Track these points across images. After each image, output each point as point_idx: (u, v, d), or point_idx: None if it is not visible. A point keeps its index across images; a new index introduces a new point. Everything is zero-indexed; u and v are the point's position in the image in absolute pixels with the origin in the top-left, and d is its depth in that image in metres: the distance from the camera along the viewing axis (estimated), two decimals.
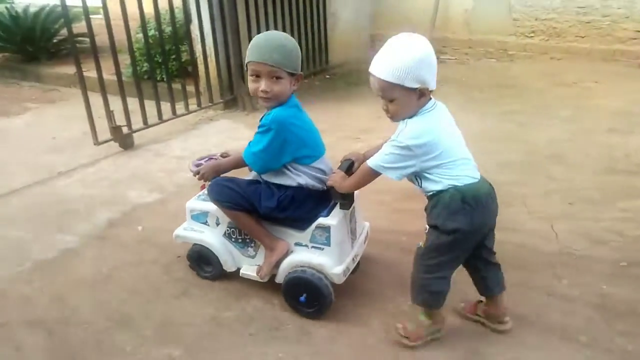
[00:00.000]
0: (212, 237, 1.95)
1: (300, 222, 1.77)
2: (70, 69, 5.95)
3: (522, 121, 3.82)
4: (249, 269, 1.90)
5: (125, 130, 3.65)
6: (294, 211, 1.75)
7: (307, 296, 1.75)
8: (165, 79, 4.17)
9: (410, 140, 1.44)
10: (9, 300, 2.03)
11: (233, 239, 1.93)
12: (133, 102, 3.77)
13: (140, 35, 4.08)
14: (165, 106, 3.96)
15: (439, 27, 5.94)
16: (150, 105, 3.84)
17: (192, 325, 1.82)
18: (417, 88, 1.42)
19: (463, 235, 1.48)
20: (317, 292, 1.74)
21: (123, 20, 3.64)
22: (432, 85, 1.45)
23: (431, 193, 1.52)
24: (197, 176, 1.87)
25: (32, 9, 6.56)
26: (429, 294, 1.58)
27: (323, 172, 1.81)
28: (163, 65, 4.32)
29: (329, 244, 1.73)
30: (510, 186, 2.70)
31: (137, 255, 2.29)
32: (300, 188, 1.75)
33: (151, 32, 4.31)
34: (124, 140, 3.64)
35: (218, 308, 1.90)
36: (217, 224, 1.94)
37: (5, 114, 4.69)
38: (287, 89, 1.67)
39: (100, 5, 3.48)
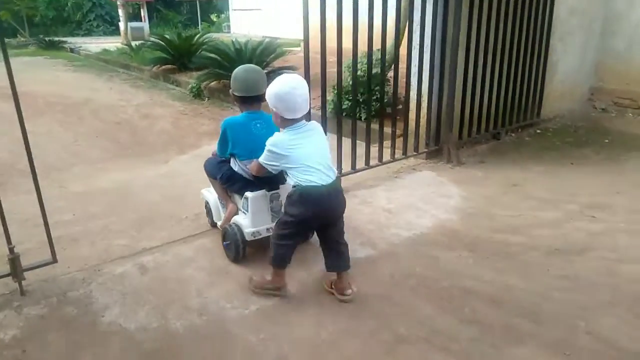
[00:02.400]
0: (212, 199, 2.78)
1: (239, 194, 2.49)
2: None
3: None
4: (219, 221, 2.70)
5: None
6: (231, 185, 2.52)
7: (227, 243, 2.49)
8: (364, 118, 4.06)
9: (270, 146, 2.06)
10: None
11: (220, 202, 2.72)
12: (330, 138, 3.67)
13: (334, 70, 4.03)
14: (361, 147, 3.83)
15: None
16: (346, 144, 3.66)
17: None
18: (273, 112, 2.04)
19: (297, 219, 2.04)
20: (232, 240, 2.43)
21: (321, 55, 3.60)
22: (286, 115, 1.99)
23: (291, 186, 2.08)
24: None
25: (251, 43, 7.21)
26: (275, 256, 2.11)
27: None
28: (364, 105, 4.23)
29: (247, 211, 2.43)
30: None
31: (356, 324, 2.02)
32: (234, 171, 2.50)
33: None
34: None
35: None
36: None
37: (214, 138, 5.09)
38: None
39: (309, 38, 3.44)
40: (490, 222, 2.99)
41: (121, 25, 17.05)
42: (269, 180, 2.39)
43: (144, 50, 10.87)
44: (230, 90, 2.47)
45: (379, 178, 3.79)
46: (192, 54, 8.92)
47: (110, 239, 2.81)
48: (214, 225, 2.80)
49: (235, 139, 2.41)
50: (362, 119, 4.71)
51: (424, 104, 4.09)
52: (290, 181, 2.07)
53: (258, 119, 2.43)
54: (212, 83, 7.15)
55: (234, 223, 2.46)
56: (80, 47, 15.18)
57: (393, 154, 4.00)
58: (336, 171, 2.18)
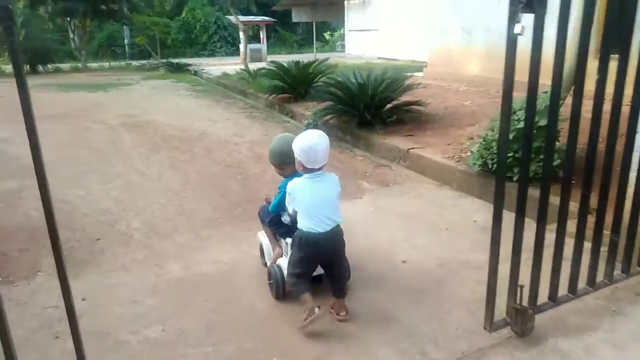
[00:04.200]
0: (264, 242, 2.84)
1: (284, 238, 2.61)
2: (399, 141, 5.40)
3: None
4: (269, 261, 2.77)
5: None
6: (277, 229, 2.67)
7: (271, 282, 2.59)
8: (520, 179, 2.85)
9: (289, 188, 2.30)
10: None
11: (271, 245, 2.79)
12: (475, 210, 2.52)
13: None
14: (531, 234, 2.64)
15: None
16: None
17: None
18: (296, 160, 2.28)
19: (299, 259, 2.30)
20: (274, 280, 2.54)
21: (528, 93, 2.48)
22: (307, 165, 2.22)
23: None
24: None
25: (374, 74, 6.34)
26: (295, 292, 2.37)
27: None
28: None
29: (287, 254, 2.52)
30: None
31: None
32: (280, 217, 2.63)
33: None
34: (525, 324, 2.13)
35: None
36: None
37: (343, 194, 4.21)
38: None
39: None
40: None
41: (241, 47, 17.41)
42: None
43: (261, 76, 10.60)
44: (273, 162, 2.62)
45: (586, 311, 2.35)
46: (308, 83, 8.33)
47: None
48: (265, 265, 2.81)
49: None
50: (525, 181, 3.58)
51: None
52: (297, 225, 2.31)
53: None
54: (331, 120, 6.39)
55: (277, 265, 2.59)
56: (203, 70, 15.64)
57: (610, 274, 2.49)
58: (338, 220, 2.31)
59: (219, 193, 4.34)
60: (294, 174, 2.42)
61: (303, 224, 2.25)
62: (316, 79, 8.49)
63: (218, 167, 5.16)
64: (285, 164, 2.51)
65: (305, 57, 9.45)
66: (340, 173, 4.85)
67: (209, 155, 5.70)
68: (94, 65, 19.98)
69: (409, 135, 5.59)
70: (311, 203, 2.23)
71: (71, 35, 20.59)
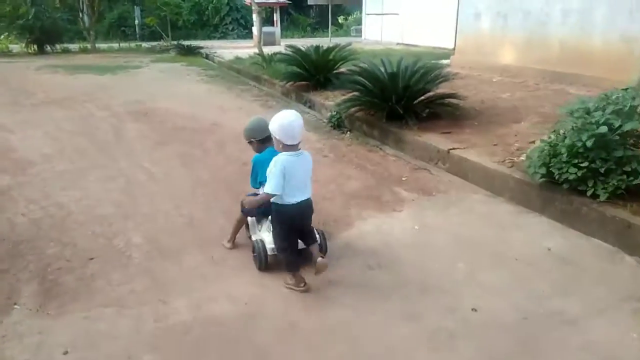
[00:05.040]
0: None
1: (265, 216, 2.77)
2: (436, 140, 4.74)
3: None
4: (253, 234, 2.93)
5: None
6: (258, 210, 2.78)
7: (255, 255, 2.69)
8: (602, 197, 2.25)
9: (275, 163, 2.40)
10: None
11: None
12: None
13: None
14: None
15: None
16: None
17: None
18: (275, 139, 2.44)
19: (285, 231, 2.49)
20: (257, 252, 2.66)
21: None
22: (287, 142, 2.37)
23: None
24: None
25: (405, 63, 5.65)
26: (287, 263, 2.52)
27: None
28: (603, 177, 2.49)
29: (269, 230, 2.69)
30: None
31: None
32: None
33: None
34: None
35: None
36: None
37: (379, 204, 3.60)
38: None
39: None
40: None
41: (254, 30, 16.65)
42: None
43: (277, 62, 9.91)
44: (247, 140, 2.90)
45: None
46: (329, 70, 7.65)
47: None
48: (249, 238, 2.92)
49: (262, 171, 2.58)
50: (599, 198, 2.97)
51: None
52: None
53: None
54: (358, 112, 5.73)
55: (260, 239, 2.69)
56: (215, 53, 14.94)
57: None
58: (310, 191, 2.53)
59: (233, 198, 3.70)
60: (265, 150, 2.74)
61: (287, 198, 2.41)
62: (337, 66, 7.80)
63: (232, 166, 4.55)
64: (265, 135, 2.72)
65: (319, 42, 8.72)
66: (371, 176, 4.23)
67: (222, 150, 5.09)
68: (103, 46, 19.33)
69: (446, 132, 4.92)
70: (298, 178, 2.41)
71: (80, 15, 19.92)
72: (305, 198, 2.49)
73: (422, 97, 5.39)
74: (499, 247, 2.85)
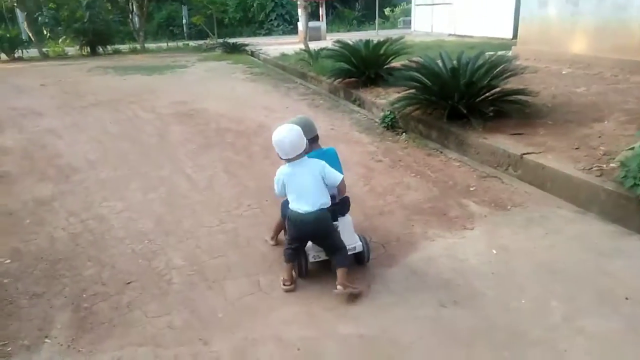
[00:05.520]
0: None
1: None
2: (506, 142, 4.20)
3: None
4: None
5: None
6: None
7: (295, 263, 2.58)
8: None
9: (276, 174, 2.53)
10: None
11: None
12: None
13: None
14: None
15: None
16: None
17: None
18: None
19: (290, 235, 2.52)
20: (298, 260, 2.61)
21: None
22: (281, 155, 2.44)
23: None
24: None
25: (466, 57, 5.12)
26: (285, 256, 2.51)
27: None
28: None
29: None
30: None
31: None
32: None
33: None
34: None
35: None
36: None
37: (446, 220, 3.14)
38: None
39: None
40: None
41: (299, 25, 16.35)
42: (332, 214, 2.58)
43: (323, 57, 9.54)
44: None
45: None
46: (380, 66, 7.18)
47: None
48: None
49: None
50: None
51: None
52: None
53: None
54: (414, 112, 5.25)
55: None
56: (260, 50, 14.76)
57: None
58: (321, 201, 2.43)
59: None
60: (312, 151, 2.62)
61: (292, 205, 2.46)
62: (388, 61, 7.32)
63: None
64: (316, 140, 2.70)
65: (366, 35, 8.24)
66: (433, 185, 3.76)
67: (268, 156, 4.77)
68: (152, 46, 19.65)
69: (516, 133, 4.37)
70: (298, 186, 2.43)
71: (130, 16, 20.35)
72: (311, 210, 2.40)
73: (487, 94, 4.85)
74: (601, 281, 2.34)
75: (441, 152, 4.57)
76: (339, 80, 7.62)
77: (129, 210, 3.59)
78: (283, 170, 2.50)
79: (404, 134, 5.20)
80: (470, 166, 4.14)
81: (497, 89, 4.84)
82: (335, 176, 2.45)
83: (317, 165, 2.44)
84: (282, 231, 2.86)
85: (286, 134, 2.40)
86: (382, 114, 5.50)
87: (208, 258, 2.83)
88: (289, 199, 2.48)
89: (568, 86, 6.04)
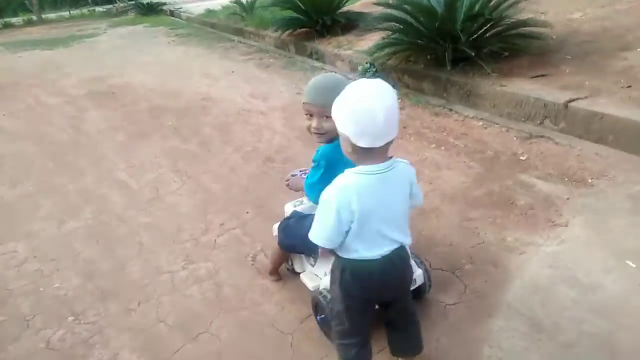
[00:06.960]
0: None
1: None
2: (534, 87, 3.17)
3: None
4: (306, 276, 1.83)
5: None
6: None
7: (322, 317, 1.68)
8: None
9: (326, 197, 1.32)
10: None
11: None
12: None
13: None
14: None
15: None
16: None
17: None
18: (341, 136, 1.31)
19: (346, 306, 1.36)
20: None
21: None
22: (360, 142, 1.20)
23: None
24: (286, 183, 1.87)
25: None
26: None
27: None
28: None
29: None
30: None
31: None
32: None
33: None
34: None
35: None
36: None
37: (520, 214, 2.14)
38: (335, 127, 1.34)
39: None
40: None
41: None
42: None
43: (259, 8, 8.11)
44: (321, 114, 1.54)
45: None
46: (334, 10, 5.96)
47: None
48: (290, 270, 1.96)
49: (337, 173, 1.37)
50: None
51: None
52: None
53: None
54: (401, 62, 4.16)
55: (323, 290, 1.63)
56: (181, 8, 12.84)
57: None
58: (404, 237, 1.32)
59: (269, 222, 2.17)
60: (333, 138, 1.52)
61: (361, 251, 1.27)
62: (344, 3, 6.12)
63: (250, 165, 3.05)
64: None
65: None
66: (469, 158, 2.72)
67: (228, 139, 3.55)
68: (51, 16, 16.81)
69: (538, 75, 3.44)
70: (382, 215, 1.26)
71: None
72: (395, 247, 1.31)
73: (493, 31, 3.83)
74: None
75: (450, 110, 3.56)
76: (288, 32, 6.33)
77: (37, 258, 2.30)
78: (353, 185, 1.23)
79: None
80: (500, 124, 3.17)
81: (506, 21, 3.82)
82: (419, 192, 1.37)
83: (407, 172, 1.31)
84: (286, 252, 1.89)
85: (382, 94, 1.17)
86: (360, 67, 4.35)
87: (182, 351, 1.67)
88: (335, 245, 1.30)
89: (559, 13, 5.15)
